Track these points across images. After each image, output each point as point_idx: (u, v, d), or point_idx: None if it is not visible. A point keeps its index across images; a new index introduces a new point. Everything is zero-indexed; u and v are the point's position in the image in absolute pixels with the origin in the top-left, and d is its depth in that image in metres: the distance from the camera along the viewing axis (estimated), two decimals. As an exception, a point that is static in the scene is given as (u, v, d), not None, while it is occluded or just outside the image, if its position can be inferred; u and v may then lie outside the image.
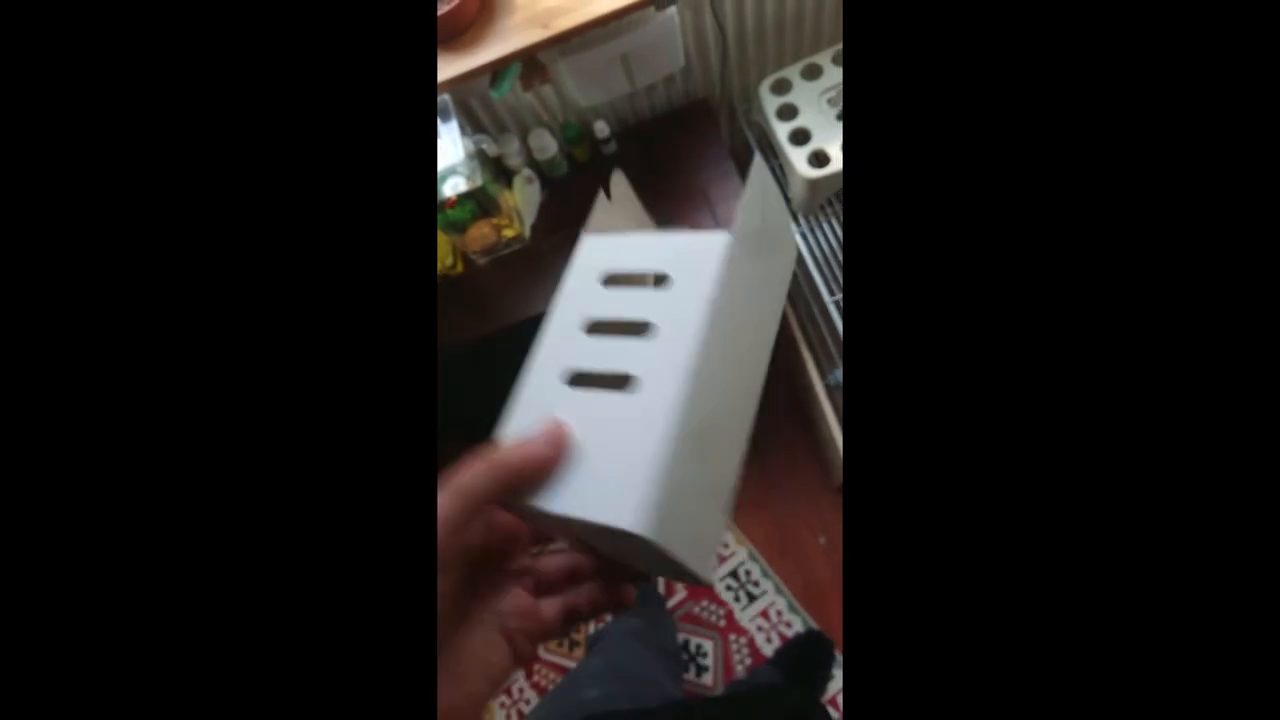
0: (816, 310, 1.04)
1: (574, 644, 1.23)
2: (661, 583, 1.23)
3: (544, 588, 0.27)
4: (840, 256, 0.95)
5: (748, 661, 1.16)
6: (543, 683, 1.22)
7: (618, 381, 0.24)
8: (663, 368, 0.23)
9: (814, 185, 0.91)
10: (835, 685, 1.11)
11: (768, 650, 1.17)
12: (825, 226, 0.99)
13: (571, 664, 1.21)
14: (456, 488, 0.21)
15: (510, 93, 0.86)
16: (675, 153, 1.01)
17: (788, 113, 0.95)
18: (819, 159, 0.91)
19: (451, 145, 0.82)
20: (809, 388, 1.14)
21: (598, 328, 0.26)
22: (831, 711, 0.73)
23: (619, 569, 0.28)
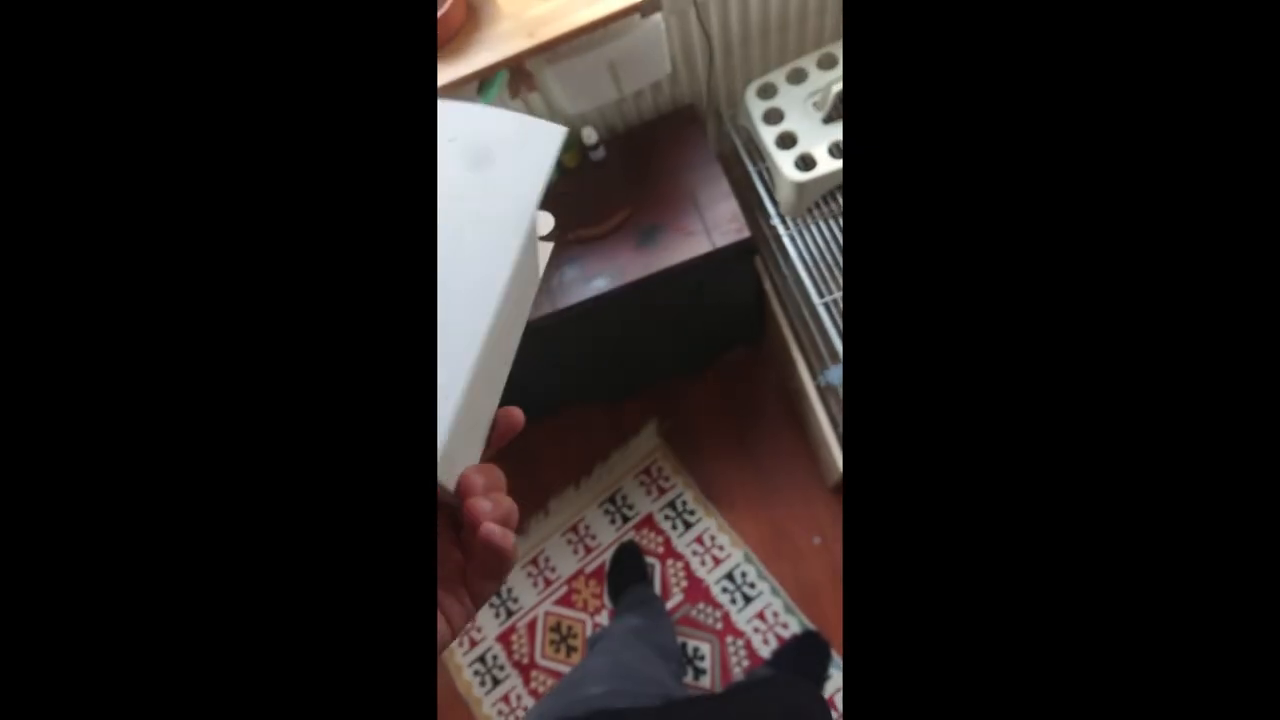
0: (807, 313, 1.04)
1: (571, 649, 1.23)
2: (659, 585, 1.24)
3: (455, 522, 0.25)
4: (828, 259, 0.96)
5: (745, 664, 1.17)
6: (540, 689, 1.22)
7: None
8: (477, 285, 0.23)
9: (801, 189, 0.92)
10: (833, 685, 1.11)
11: (765, 652, 1.17)
12: (813, 229, 0.99)
13: (568, 669, 1.21)
14: None
15: (498, 100, 0.87)
16: (663, 158, 1.01)
17: (774, 117, 0.96)
18: (805, 162, 0.92)
19: (440, 154, 0.83)
20: (800, 389, 1.15)
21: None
22: (831, 712, 0.74)
23: None
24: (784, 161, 0.92)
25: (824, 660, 1.12)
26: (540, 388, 1.17)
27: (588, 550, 1.29)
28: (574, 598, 1.26)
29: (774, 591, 1.21)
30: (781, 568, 1.22)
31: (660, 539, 1.28)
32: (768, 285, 1.18)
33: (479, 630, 1.26)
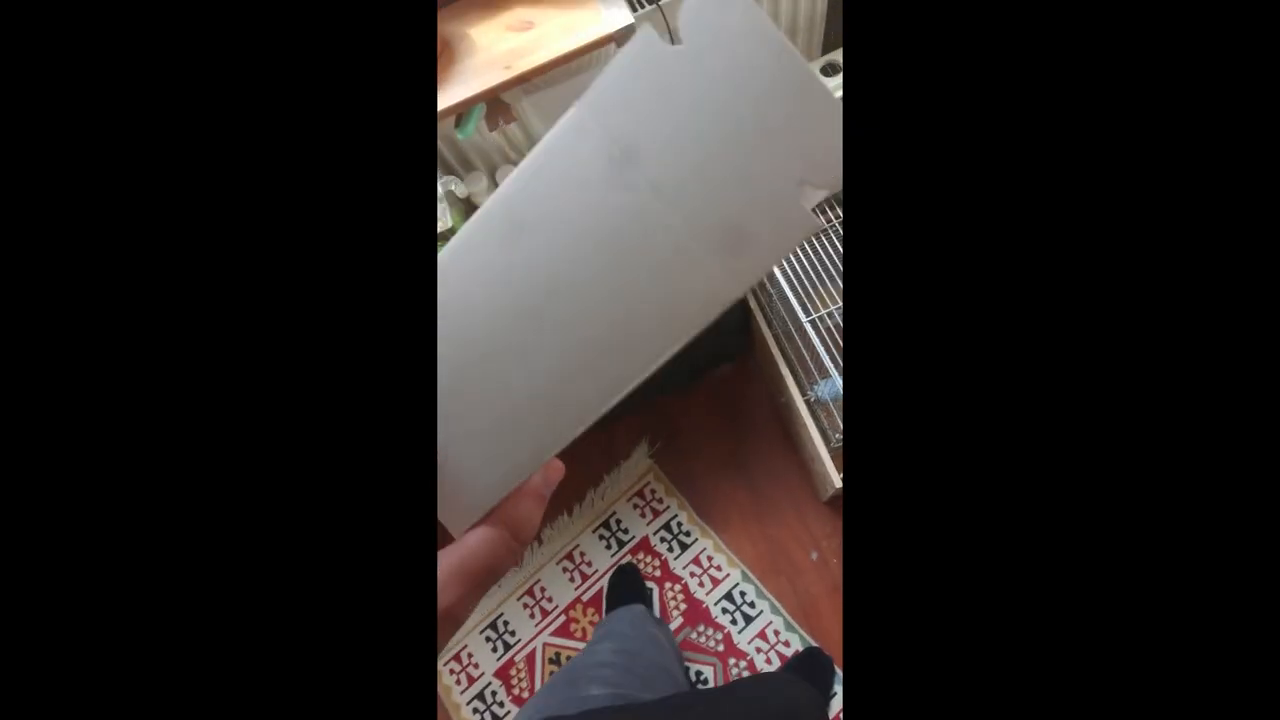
0: (794, 329, 1.05)
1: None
2: (657, 609, 1.22)
3: None
4: (812, 276, 0.96)
5: (749, 684, 1.16)
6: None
7: None
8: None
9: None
10: (837, 703, 1.11)
11: (768, 671, 1.16)
12: (800, 247, 1.00)
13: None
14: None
15: (476, 133, 0.86)
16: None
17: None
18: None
19: (419, 189, 0.82)
20: (790, 404, 1.15)
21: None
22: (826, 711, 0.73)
23: None
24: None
25: (828, 676, 1.11)
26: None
27: (584, 578, 1.27)
28: (572, 627, 1.24)
29: (774, 609, 1.20)
30: (780, 585, 1.22)
31: (657, 562, 1.26)
32: (752, 302, 1.19)
33: (475, 666, 1.24)
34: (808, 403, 1.11)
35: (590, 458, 1.34)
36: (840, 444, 1.06)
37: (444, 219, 0.85)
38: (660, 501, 1.31)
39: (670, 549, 1.27)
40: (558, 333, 0.20)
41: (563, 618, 1.25)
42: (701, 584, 1.24)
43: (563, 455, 0.22)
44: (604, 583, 1.26)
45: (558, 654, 1.23)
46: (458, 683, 1.23)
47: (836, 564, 1.21)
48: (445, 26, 0.83)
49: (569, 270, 0.20)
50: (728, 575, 1.24)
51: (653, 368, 0.20)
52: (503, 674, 1.23)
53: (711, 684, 1.16)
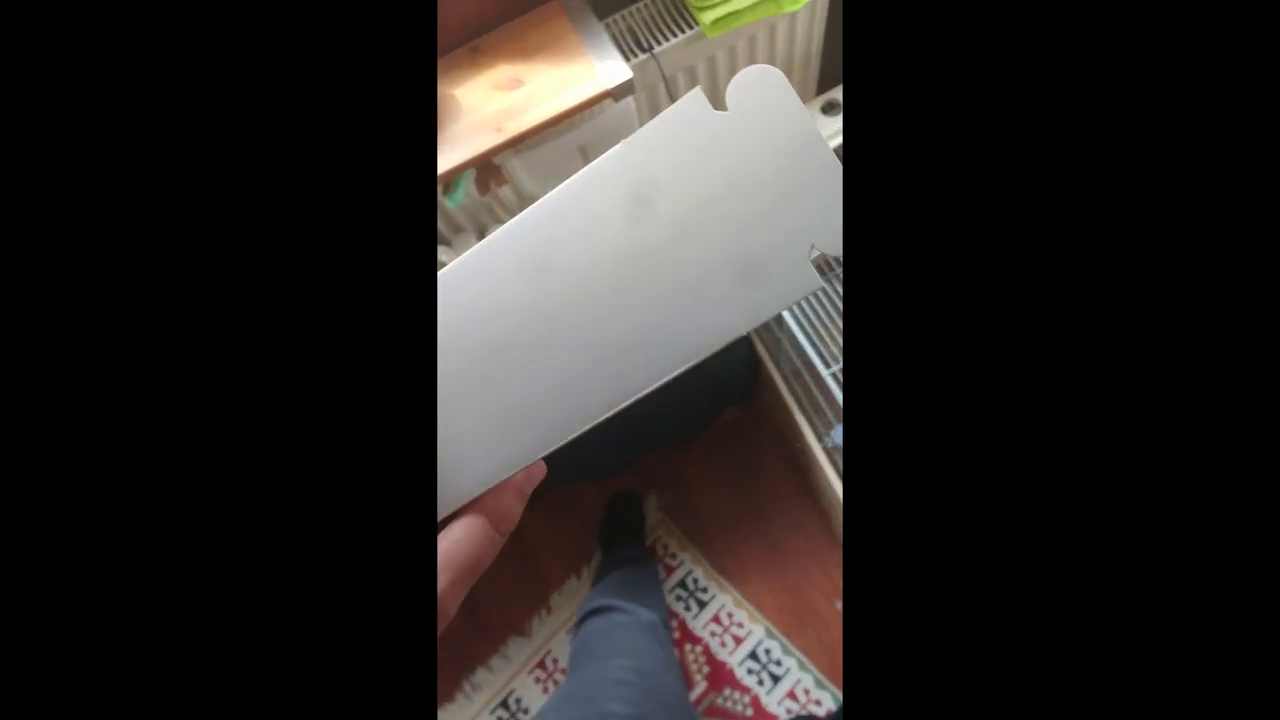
0: (809, 378, 1.00)
1: None
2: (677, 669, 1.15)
3: None
4: (827, 324, 0.92)
5: (782, 750, 1.09)
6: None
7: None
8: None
9: (793, 256, 0.88)
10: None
11: (800, 732, 1.10)
12: (812, 295, 0.95)
13: None
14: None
15: (466, 198, 0.80)
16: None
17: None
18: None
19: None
20: (806, 451, 1.10)
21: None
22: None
23: None
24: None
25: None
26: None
27: (599, 645, 1.20)
28: (590, 700, 1.17)
29: (802, 666, 1.14)
30: (806, 639, 1.16)
31: (675, 622, 1.20)
32: (759, 347, 1.14)
33: (489, 749, 1.15)
34: (825, 450, 1.06)
35: (595, 514, 1.27)
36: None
37: (435, 290, 0.79)
38: (674, 557, 1.25)
39: (687, 607, 1.21)
40: (564, 345, 0.21)
41: (579, 691, 1.17)
42: (723, 643, 1.17)
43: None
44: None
45: (576, 731, 1.15)
46: (471, 772, 1.15)
47: (863, 613, 1.16)
48: (427, 88, 0.77)
49: (584, 299, 0.21)
50: (750, 632, 1.18)
51: (651, 387, 0.22)
52: (519, 757, 1.15)
53: (743, 753, 1.10)
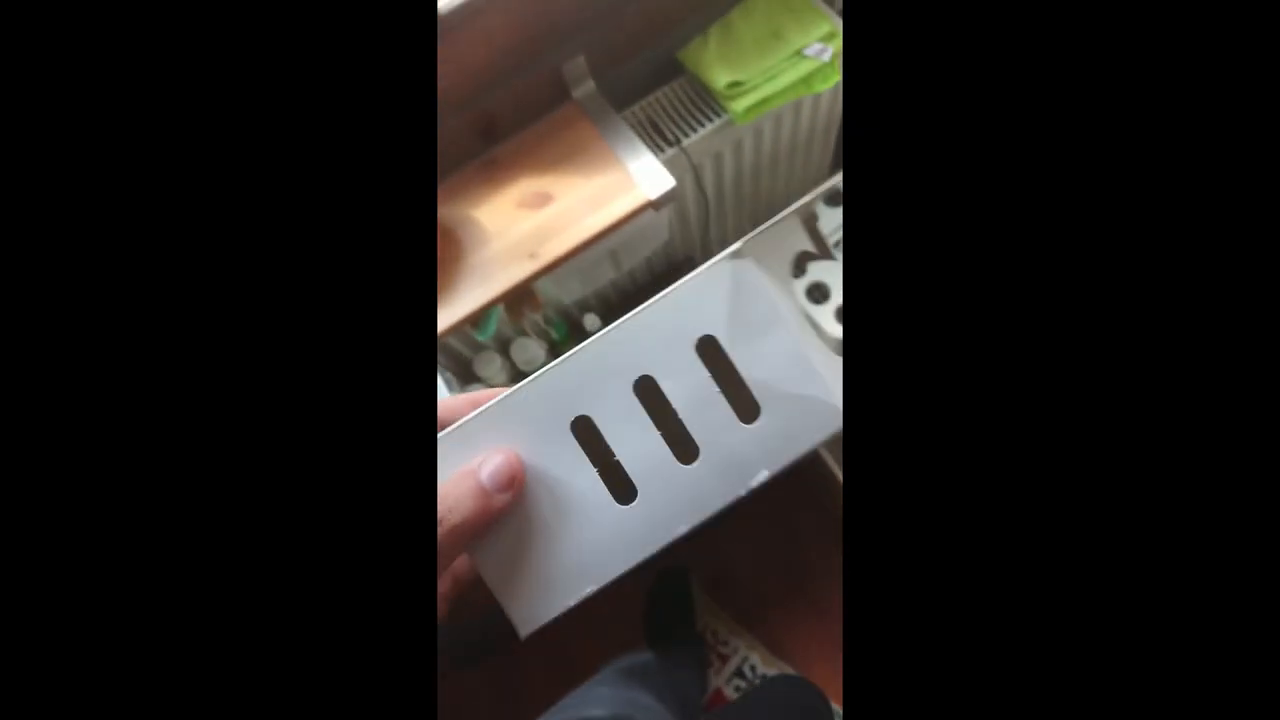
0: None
1: None
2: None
3: None
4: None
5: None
6: None
7: (623, 487, 0.22)
8: (666, 513, 0.22)
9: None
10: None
11: None
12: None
13: None
14: None
15: (498, 329, 0.72)
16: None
17: (799, 266, 0.86)
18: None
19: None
20: (828, 476, 1.05)
21: (648, 394, 0.22)
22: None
23: None
24: (824, 318, 0.82)
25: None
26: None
27: (660, 754, 1.12)
28: (658, 816, 1.08)
29: None
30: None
31: None
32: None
33: None
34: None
35: (634, 606, 1.19)
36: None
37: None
38: (726, 644, 1.18)
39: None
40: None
41: (646, 807, 1.09)
42: (793, 733, 1.11)
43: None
44: (684, 754, 1.11)
45: None
46: None
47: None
48: (445, 210, 0.68)
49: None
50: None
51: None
52: None
53: None
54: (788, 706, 0.66)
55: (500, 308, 0.69)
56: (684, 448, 0.22)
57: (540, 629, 0.22)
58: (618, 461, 0.22)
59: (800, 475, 1.22)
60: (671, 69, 0.79)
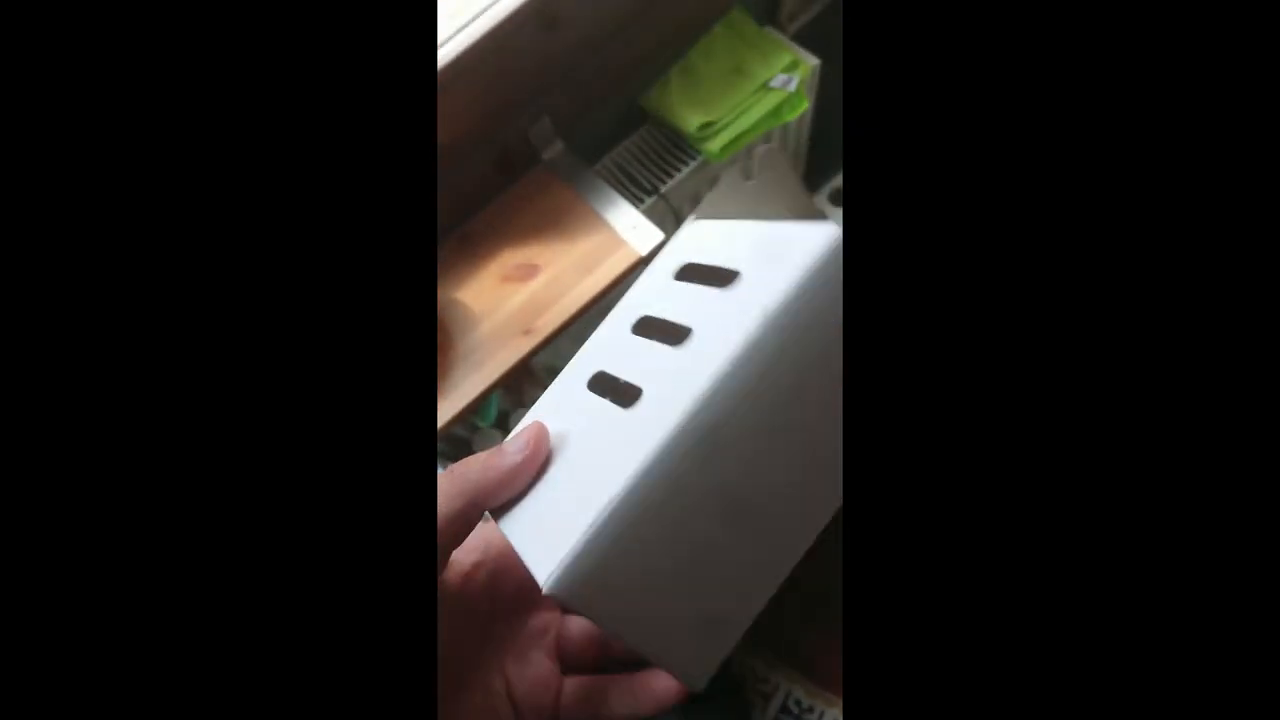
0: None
1: None
2: None
3: (569, 657, 0.23)
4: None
5: None
6: None
7: (629, 393, 0.21)
8: (670, 391, 0.19)
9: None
10: None
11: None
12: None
13: None
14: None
15: (497, 413, 0.68)
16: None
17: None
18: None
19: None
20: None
21: (645, 326, 0.22)
22: None
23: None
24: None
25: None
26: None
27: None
28: None
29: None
30: None
31: (789, 756, 1.09)
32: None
33: None
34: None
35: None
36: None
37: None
38: (765, 682, 1.14)
39: (797, 733, 1.10)
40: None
41: None
42: (848, 763, 1.07)
43: None
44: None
45: None
46: None
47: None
48: (424, 299, 0.65)
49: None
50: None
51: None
52: None
53: None
54: None
55: (500, 394, 0.66)
56: (677, 339, 0.21)
57: (564, 582, 0.18)
58: (626, 383, 0.21)
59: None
60: (635, 116, 0.77)
